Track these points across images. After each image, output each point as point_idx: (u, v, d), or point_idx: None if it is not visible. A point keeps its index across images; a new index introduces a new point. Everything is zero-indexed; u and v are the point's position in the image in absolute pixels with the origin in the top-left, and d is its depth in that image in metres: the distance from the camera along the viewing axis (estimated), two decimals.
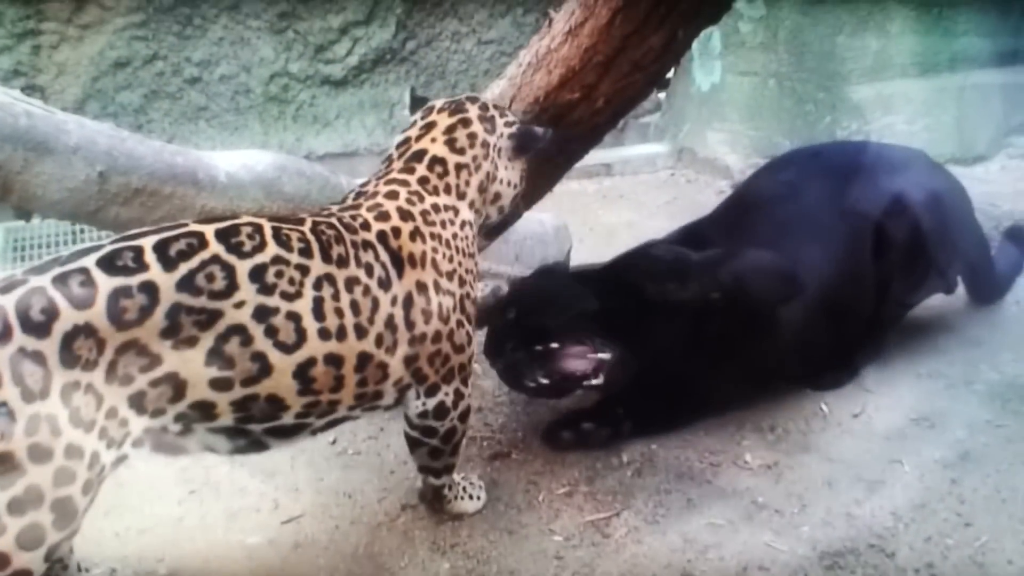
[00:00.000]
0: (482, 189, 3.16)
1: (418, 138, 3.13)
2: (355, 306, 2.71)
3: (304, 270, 2.63)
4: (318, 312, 2.63)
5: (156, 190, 3.92)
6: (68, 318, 2.29)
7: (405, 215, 2.93)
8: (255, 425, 2.65)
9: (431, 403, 2.99)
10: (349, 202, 3.01)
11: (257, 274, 2.54)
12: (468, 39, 7.97)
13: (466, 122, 3.16)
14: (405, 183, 3.02)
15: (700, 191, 7.22)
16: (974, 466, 3.44)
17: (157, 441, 2.54)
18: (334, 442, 3.71)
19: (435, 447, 3.10)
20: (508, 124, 3.25)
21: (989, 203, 5.48)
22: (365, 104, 7.79)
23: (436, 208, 3.01)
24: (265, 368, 2.55)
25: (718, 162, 7.51)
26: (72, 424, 2.29)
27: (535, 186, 3.94)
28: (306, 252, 2.66)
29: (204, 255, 2.48)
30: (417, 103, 3.33)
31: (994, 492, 3.29)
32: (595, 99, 3.74)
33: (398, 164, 3.10)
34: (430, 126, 3.15)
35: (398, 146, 3.16)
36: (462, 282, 3.01)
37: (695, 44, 7.49)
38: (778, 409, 3.86)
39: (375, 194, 2.99)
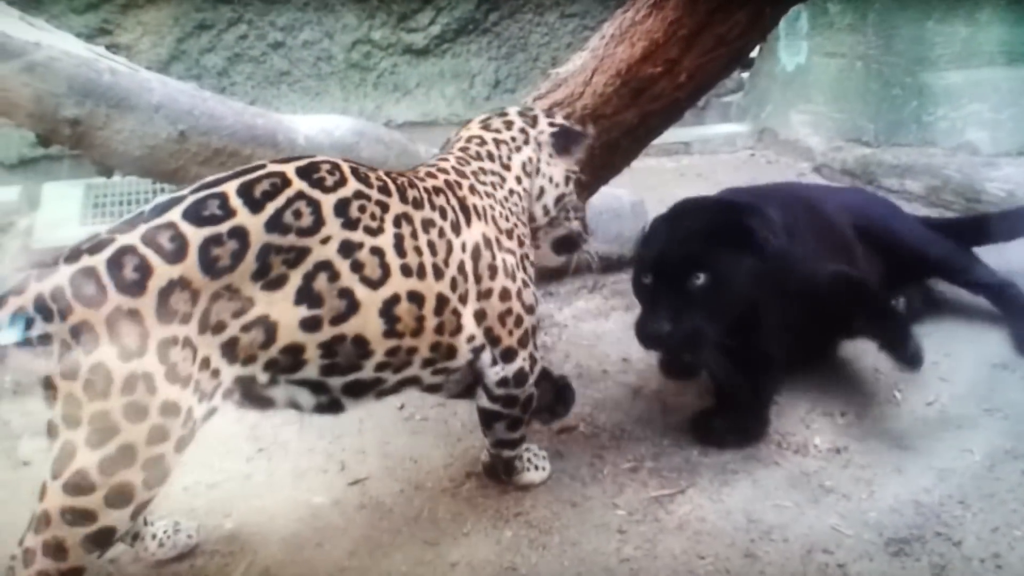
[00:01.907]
0: (527, 171, 3.16)
1: (460, 131, 3.25)
2: (432, 246, 2.75)
3: (384, 207, 2.67)
4: (399, 248, 2.67)
5: (236, 151, 3.98)
6: (162, 274, 2.32)
7: (461, 173, 3.01)
8: (336, 378, 2.67)
9: (510, 369, 2.99)
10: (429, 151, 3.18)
11: (342, 208, 2.57)
12: (551, 11, 7.96)
13: (503, 114, 3.27)
14: (448, 157, 3.10)
15: (780, 172, 7.13)
16: None
17: (246, 391, 2.58)
18: (402, 407, 3.75)
19: (515, 417, 3.11)
20: (551, 124, 3.27)
21: None
22: (446, 74, 7.82)
23: (483, 171, 3.07)
24: (352, 305, 2.58)
25: (800, 144, 7.41)
26: (168, 381, 2.32)
27: (611, 161, 3.93)
28: (384, 190, 2.70)
29: (289, 192, 2.51)
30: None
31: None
32: (678, 74, 3.72)
33: (444, 151, 3.19)
34: (466, 125, 3.28)
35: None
36: (521, 242, 3.04)
37: (782, 23, 7.43)
38: (850, 394, 3.81)
39: (428, 165, 3.07)
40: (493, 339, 2.93)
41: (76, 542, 2.32)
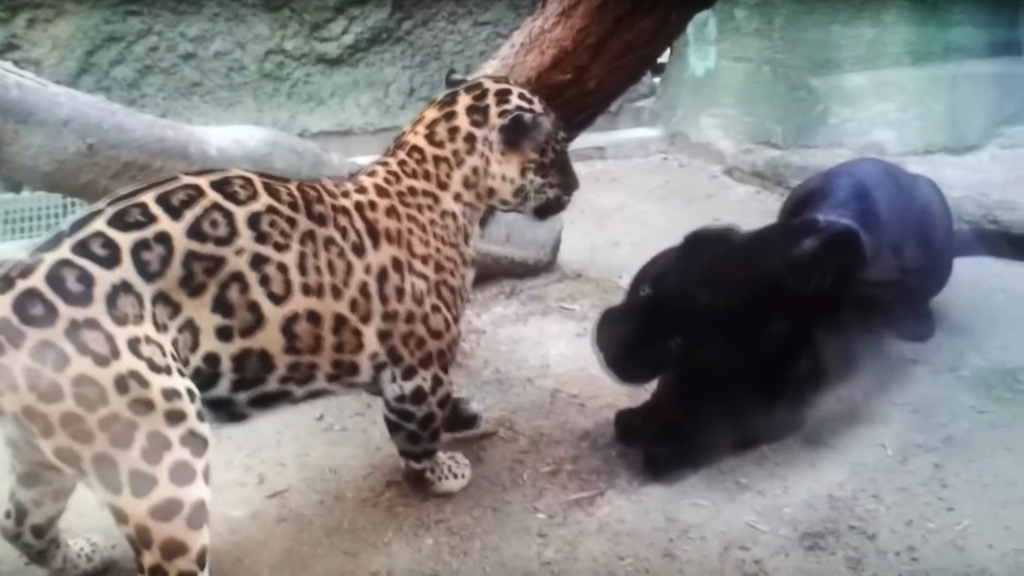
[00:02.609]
0: (470, 184, 3.12)
1: (409, 131, 3.16)
2: (331, 266, 2.77)
3: (292, 223, 2.71)
4: (302, 266, 2.70)
5: (146, 164, 3.93)
6: (105, 279, 2.36)
7: (383, 192, 2.98)
8: (243, 393, 2.70)
9: (408, 387, 3.00)
10: (340, 176, 3.08)
11: (254, 221, 2.62)
12: (464, 20, 7.97)
13: (451, 114, 3.13)
14: (386, 164, 3.07)
15: (692, 175, 7.23)
16: (957, 451, 3.46)
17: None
18: (321, 418, 3.72)
19: (413, 432, 3.11)
20: (503, 114, 3.11)
21: (980, 193, 5.50)
22: (360, 83, 7.79)
23: (413, 191, 3.03)
24: (259, 319, 2.62)
25: (711, 147, 7.51)
26: (154, 371, 2.36)
27: None
28: (294, 206, 2.73)
29: (205, 203, 2.55)
30: (452, 86, 3.27)
31: (976, 477, 3.31)
32: (587, 81, 3.76)
33: (390, 152, 3.15)
34: (420, 119, 3.16)
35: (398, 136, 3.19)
36: (439, 268, 3.02)
37: (690, 29, 7.56)
38: None
39: (359, 172, 3.06)
40: (395, 357, 2.95)
41: (180, 532, 2.40)
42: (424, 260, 2.98)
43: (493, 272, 4.78)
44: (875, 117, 6.78)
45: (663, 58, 8.24)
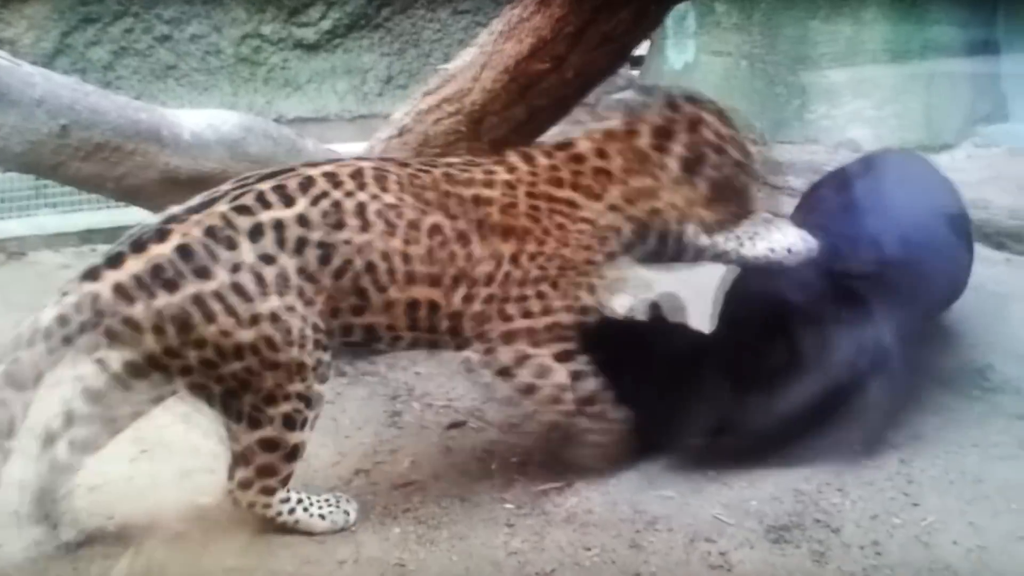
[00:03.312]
0: (630, 200, 3.14)
1: (584, 138, 3.22)
2: (431, 253, 2.97)
3: (398, 211, 2.95)
4: (405, 255, 2.95)
5: (119, 145, 3.93)
6: (250, 251, 2.77)
7: (510, 188, 3.09)
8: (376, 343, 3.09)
9: (494, 362, 3.13)
10: (477, 159, 3.21)
11: (360, 211, 2.90)
12: (443, 7, 7.96)
13: (632, 134, 3.19)
14: (532, 161, 3.16)
15: None
16: (924, 448, 3.48)
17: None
18: None
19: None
20: (689, 145, 3.17)
21: None
22: (337, 69, 7.77)
23: (550, 197, 3.09)
24: (368, 301, 2.93)
25: None
26: (286, 343, 2.79)
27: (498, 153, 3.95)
28: (400, 192, 2.98)
29: (315, 191, 2.88)
30: (646, 94, 3.30)
31: (943, 474, 3.33)
32: (565, 70, 3.76)
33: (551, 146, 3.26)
34: (600, 129, 3.25)
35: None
36: (555, 266, 3.07)
37: (670, 22, 7.57)
38: None
39: (500, 161, 3.18)
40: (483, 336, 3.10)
41: (278, 461, 2.89)
42: (532, 256, 3.05)
43: None
44: (852, 114, 6.81)
45: (642, 51, 8.26)
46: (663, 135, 3.17)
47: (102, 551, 2.96)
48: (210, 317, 2.72)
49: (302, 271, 2.82)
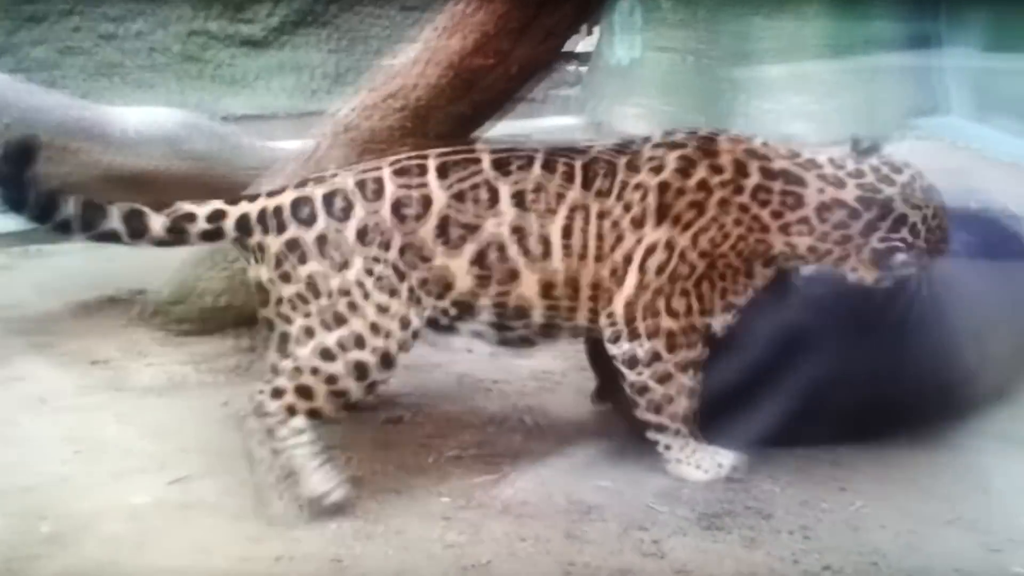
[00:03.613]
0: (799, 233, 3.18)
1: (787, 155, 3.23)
2: (600, 237, 3.14)
3: (560, 197, 3.12)
4: (567, 234, 3.11)
5: (63, 144, 3.91)
6: (361, 211, 3.04)
7: (685, 175, 3.16)
8: (511, 323, 3.21)
9: (625, 349, 3.21)
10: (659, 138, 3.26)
11: (518, 196, 3.10)
12: (391, 4, 7.95)
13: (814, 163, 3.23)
14: (714, 150, 3.21)
15: None
16: None
17: (434, 324, 3.20)
18: (226, 403, 3.71)
19: (632, 397, 3.27)
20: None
21: None
22: (285, 66, 7.76)
23: (724, 202, 3.15)
24: (515, 276, 3.12)
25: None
26: (378, 289, 3.03)
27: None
28: (568, 179, 3.15)
29: (476, 176, 3.11)
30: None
31: (872, 459, 3.39)
32: (509, 65, 3.78)
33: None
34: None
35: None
36: (711, 264, 3.16)
37: (617, 18, 7.63)
38: None
39: (691, 151, 3.21)
40: (629, 319, 3.19)
41: (321, 393, 3.05)
42: (700, 252, 3.14)
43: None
44: (793, 109, 6.90)
45: (589, 47, 8.31)
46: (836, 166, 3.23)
47: (35, 553, 2.93)
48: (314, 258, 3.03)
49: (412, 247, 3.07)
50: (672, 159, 3.16)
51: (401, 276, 3.05)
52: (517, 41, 3.72)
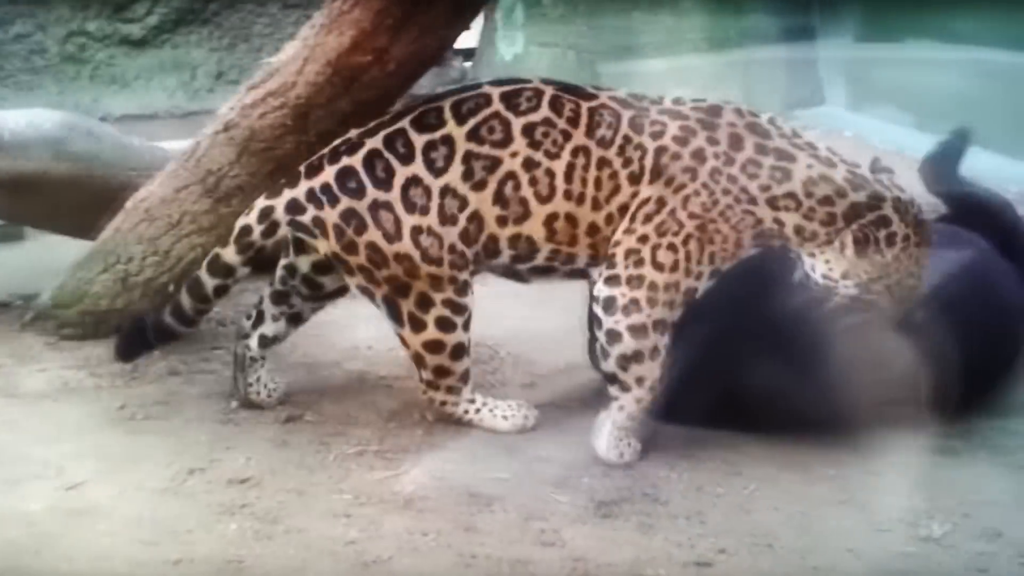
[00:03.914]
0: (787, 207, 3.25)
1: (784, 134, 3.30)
2: (598, 183, 3.25)
3: (567, 136, 3.25)
4: (568, 175, 3.24)
5: None
6: (401, 173, 3.24)
7: (683, 141, 3.24)
8: (521, 264, 3.39)
9: (605, 292, 3.30)
10: (667, 104, 3.32)
11: (528, 130, 3.24)
12: (273, 2, 7.90)
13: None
14: (715, 118, 3.28)
15: None
16: None
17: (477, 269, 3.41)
18: (122, 407, 3.67)
19: (602, 345, 3.35)
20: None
21: None
22: (166, 65, 7.66)
23: (715, 171, 3.22)
24: (526, 212, 3.27)
25: None
26: (424, 261, 3.27)
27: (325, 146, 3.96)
28: (573, 122, 3.26)
29: (488, 111, 3.26)
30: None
31: (763, 443, 3.49)
32: (387, 62, 3.79)
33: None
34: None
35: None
36: (701, 226, 3.24)
37: (499, 15, 7.68)
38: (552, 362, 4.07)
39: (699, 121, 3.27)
40: (611, 263, 3.30)
41: (447, 361, 3.41)
42: (690, 213, 3.23)
43: None
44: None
45: (473, 43, 8.35)
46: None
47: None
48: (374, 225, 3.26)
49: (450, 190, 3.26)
50: (674, 127, 3.24)
51: (440, 240, 3.27)
52: (395, 38, 3.74)
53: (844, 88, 7.67)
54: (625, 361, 3.30)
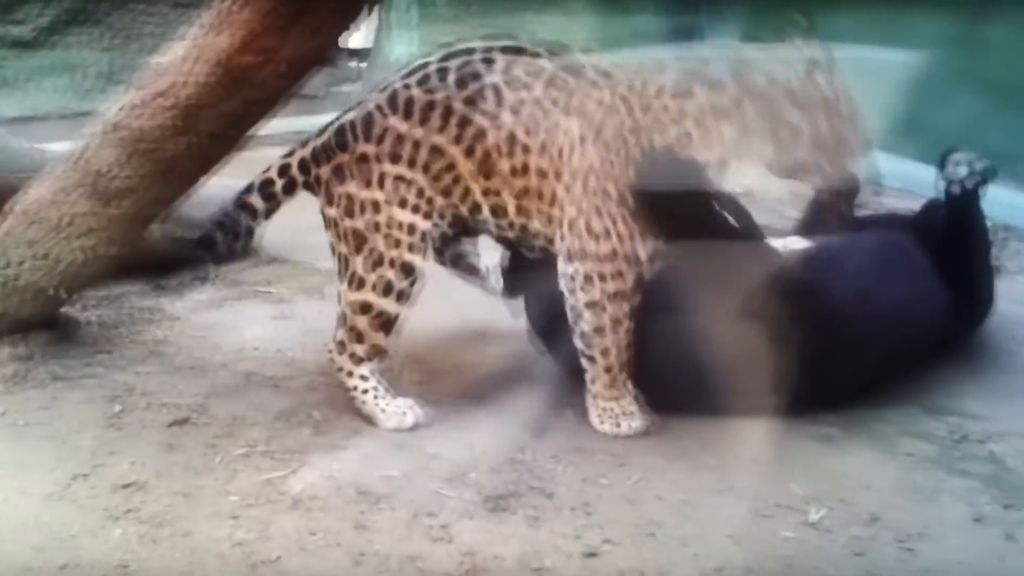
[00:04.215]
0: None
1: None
2: (560, 153, 3.36)
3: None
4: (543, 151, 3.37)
5: None
6: (388, 126, 3.39)
7: (612, 131, 3.33)
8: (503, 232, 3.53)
9: (565, 270, 3.45)
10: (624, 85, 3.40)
11: (515, 107, 3.32)
12: (163, 2, 7.80)
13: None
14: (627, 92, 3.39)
15: None
16: None
17: (448, 220, 3.52)
18: (4, 413, 3.61)
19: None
20: None
21: None
22: (56, 66, 7.54)
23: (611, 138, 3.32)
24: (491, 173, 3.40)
25: None
26: (397, 205, 3.41)
27: (217, 150, 3.94)
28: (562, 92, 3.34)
29: (486, 79, 3.34)
30: None
31: (646, 435, 3.55)
32: (278, 63, 3.76)
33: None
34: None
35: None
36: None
37: (393, 15, 7.70)
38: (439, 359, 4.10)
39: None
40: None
41: (367, 328, 3.50)
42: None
43: (188, 258, 4.76)
44: None
45: (367, 43, 8.35)
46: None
47: None
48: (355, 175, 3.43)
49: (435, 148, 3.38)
50: (607, 96, 3.33)
51: (420, 188, 3.43)
52: (284, 38, 3.71)
53: None
54: (588, 339, 3.47)
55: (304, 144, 3.59)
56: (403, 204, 3.42)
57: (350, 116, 3.49)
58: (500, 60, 3.36)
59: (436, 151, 3.38)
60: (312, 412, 3.64)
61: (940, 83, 5.68)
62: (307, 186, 3.58)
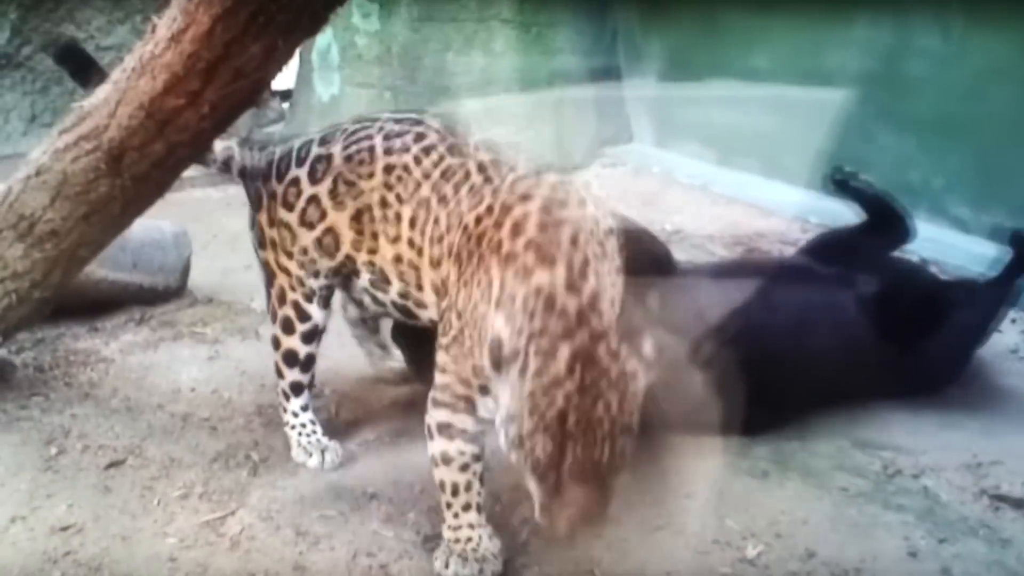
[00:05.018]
0: None
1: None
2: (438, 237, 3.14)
3: (417, 186, 3.18)
4: (412, 224, 3.19)
5: None
6: (298, 174, 3.47)
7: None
8: (377, 293, 3.40)
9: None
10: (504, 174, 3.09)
11: (387, 169, 3.25)
12: (86, 45, 7.76)
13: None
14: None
15: None
16: None
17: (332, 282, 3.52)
18: None
19: None
20: None
21: None
22: None
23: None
24: (377, 246, 3.30)
25: None
26: (285, 256, 3.48)
27: (143, 192, 3.96)
28: (426, 175, 3.18)
29: (366, 143, 3.32)
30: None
31: None
32: (201, 105, 3.78)
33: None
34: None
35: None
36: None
37: (315, 56, 7.76)
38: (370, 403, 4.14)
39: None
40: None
41: (282, 363, 3.61)
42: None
43: (122, 299, 4.78)
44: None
45: (291, 84, 8.38)
46: None
47: None
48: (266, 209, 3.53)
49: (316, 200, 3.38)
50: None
51: (297, 240, 3.46)
52: (207, 81, 3.74)
53: (650, 126, 7.97)
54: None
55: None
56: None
57: (282, 150, 3.60)
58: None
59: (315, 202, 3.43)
60: (249, 453, 3.68)
61: (861, 120, 5.85)
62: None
